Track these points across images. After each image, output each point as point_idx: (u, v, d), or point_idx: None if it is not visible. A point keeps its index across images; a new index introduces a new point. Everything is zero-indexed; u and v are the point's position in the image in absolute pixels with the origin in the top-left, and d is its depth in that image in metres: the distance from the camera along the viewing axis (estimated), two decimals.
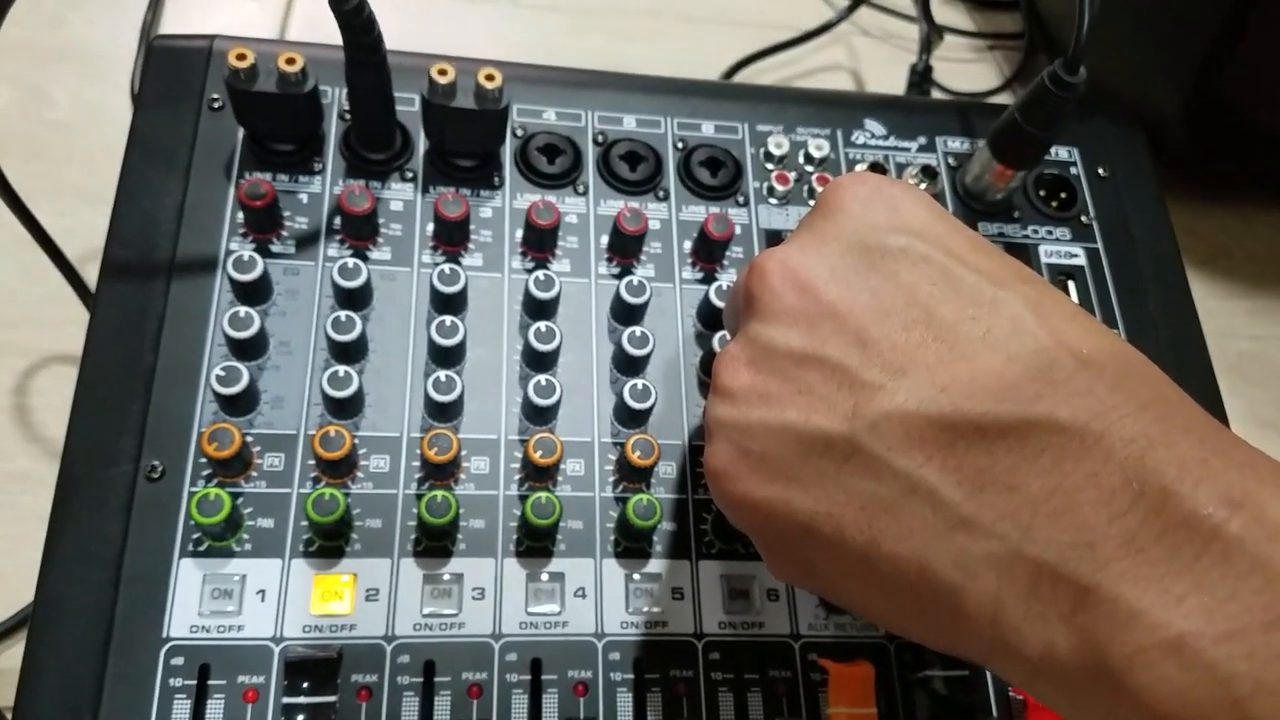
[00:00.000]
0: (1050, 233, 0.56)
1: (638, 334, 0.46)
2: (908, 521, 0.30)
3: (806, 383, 0.32)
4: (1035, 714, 0.44)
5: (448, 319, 0.45)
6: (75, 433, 0.42)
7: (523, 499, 0.44)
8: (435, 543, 0.43)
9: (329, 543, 0.42)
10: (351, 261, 0.45)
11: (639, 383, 0.45)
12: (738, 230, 0.52)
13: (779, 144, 0.54)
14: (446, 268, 0.46)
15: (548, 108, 0.54)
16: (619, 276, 0.49)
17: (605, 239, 0.51)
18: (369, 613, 0.41)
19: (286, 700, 0.38)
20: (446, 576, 0.42)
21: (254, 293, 0.44)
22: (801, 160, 0.55)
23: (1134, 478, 0.27)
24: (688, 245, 0.51)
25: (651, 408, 0.45)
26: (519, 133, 0.52)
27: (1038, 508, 0.28)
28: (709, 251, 0.50)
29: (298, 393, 0.45)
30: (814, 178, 0.54)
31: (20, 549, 0.55)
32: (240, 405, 0.42)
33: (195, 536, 0.41)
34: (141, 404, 0.43)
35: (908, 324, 0.32)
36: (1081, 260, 0.55)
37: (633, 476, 0.45)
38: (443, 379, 0.44)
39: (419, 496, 0.43)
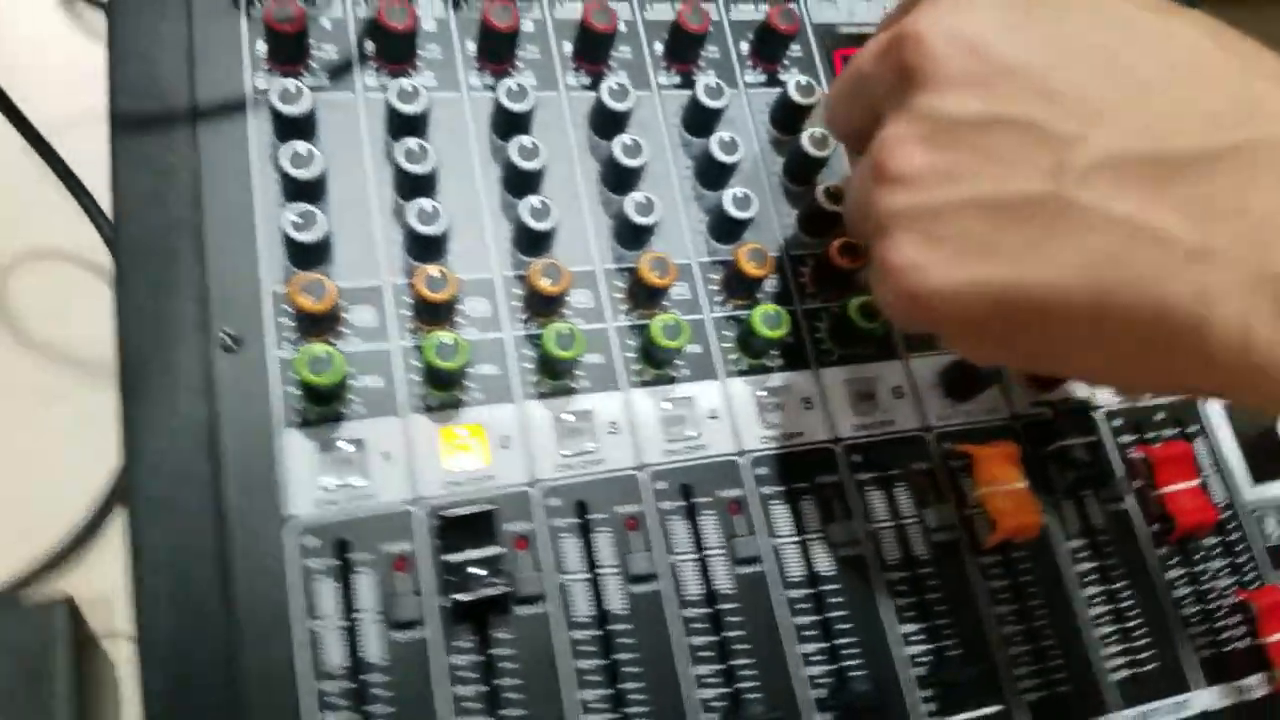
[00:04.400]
0: None
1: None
2: (1137, 268, 0.28)
3: (995, 148, 0.30)
4: (1162, 468, 0.45)
5: (526, 140, 0.40)
6: (127, 311, 0.36)
7: (639, 327, 0.41)
8: (557, 380, 0.39)
9: (445, 393, 0.38)
10: (410, 83, 0.39)
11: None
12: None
13: None
14: (513, 84, 0.41)
15: None
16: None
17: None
18: (505, 460, 0.38)
19: (449, 558, 0.35)
20: (575, 414, 0.39)
21: (301, 129, 0.39)
22: None
23: None
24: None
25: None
26: None
27: (1272, 225, 0.27)
28: (770, 52, 0.47)
29: (367, 237, 0.39)
30: None
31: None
32: (315, 255, 0.37)
33: (296, 405, 0.36)
34: (196, 268, 0.37)
35: (1091, 69, 0.30)
36: None
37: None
38: (537, 205, 0.39)
39: (534, 337, 0.39)
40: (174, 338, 0.36)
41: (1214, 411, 0.49)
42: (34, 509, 0.45)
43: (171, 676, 0.32)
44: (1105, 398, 0.47)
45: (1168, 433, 0.47)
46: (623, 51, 0.46)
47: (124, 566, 0.33)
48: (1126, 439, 0.46)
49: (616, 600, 0.37)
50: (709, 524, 0.39)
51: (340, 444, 0.36)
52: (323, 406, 0.36)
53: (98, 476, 0.46)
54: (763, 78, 0.48)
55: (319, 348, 0.35)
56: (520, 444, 0.38)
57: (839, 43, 0.50)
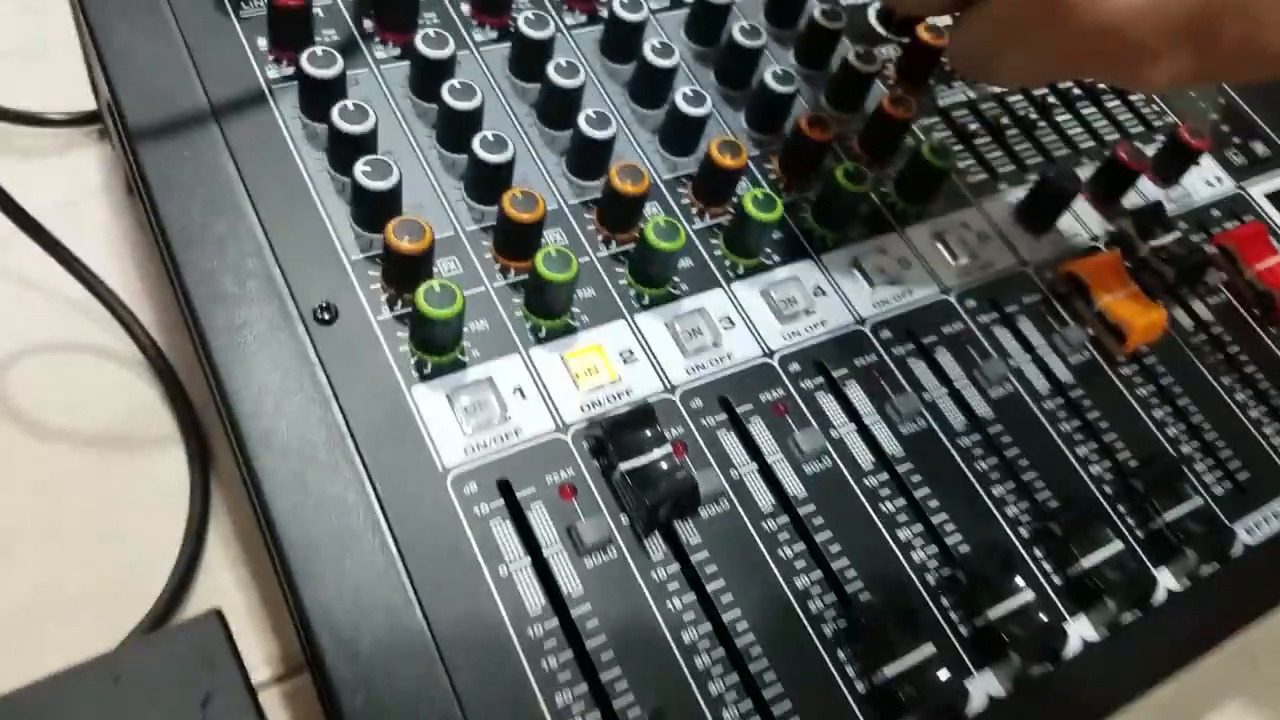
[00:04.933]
0: None
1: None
2: None
3: None
4: (1246, 250, 0.45)
5: (563, 60, 0.39)
6: (202, 309, 0.33)
7: (723, 228, 0.39)
8: (657, 289, 0.37)
9: (557, 320, 0.35)
10: (434, 31, 0.38)
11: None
12: None
13: None
14: (531, 14, 0.40)
15: None
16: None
17: None
18: (636, 374, 0.35)
19: (627, 466, 0.32)
20: (686, 317, 0.37)
21: (335, 93, 0.37)
22: None
23: None
24: None
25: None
26: None
27: None
28: None
29: (429, 194, 0.37)
30: None
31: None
32: (387, 208, 0.35)
33: (414, 360, 0.33)
34: (261, 250, 0.34)
35: None
36: None
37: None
38: (593, 117, 0.38)
39: (620, 255, 0.37)
40: (258, 320, 0.33)
41: (1258, 196, 0.49)
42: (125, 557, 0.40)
43: (368, 685, 0.28)
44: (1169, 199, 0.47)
45: (1229, 224, 0.47)
46: None
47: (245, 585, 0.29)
48: (1196, 238, 0.46)
49: (794, 484, 0.34)
50: (857, 394, 0.37)
51: (471, 389, 0.33)
52: (443, 355, 0.33)
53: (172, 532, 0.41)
54: None
55: (434, 283, 0.32)
56: (643, 355, 0.36)
57: None
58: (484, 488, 0.31)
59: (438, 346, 0.33)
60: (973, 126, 0.46)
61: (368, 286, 0.34)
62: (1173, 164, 0.47)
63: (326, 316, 0.33)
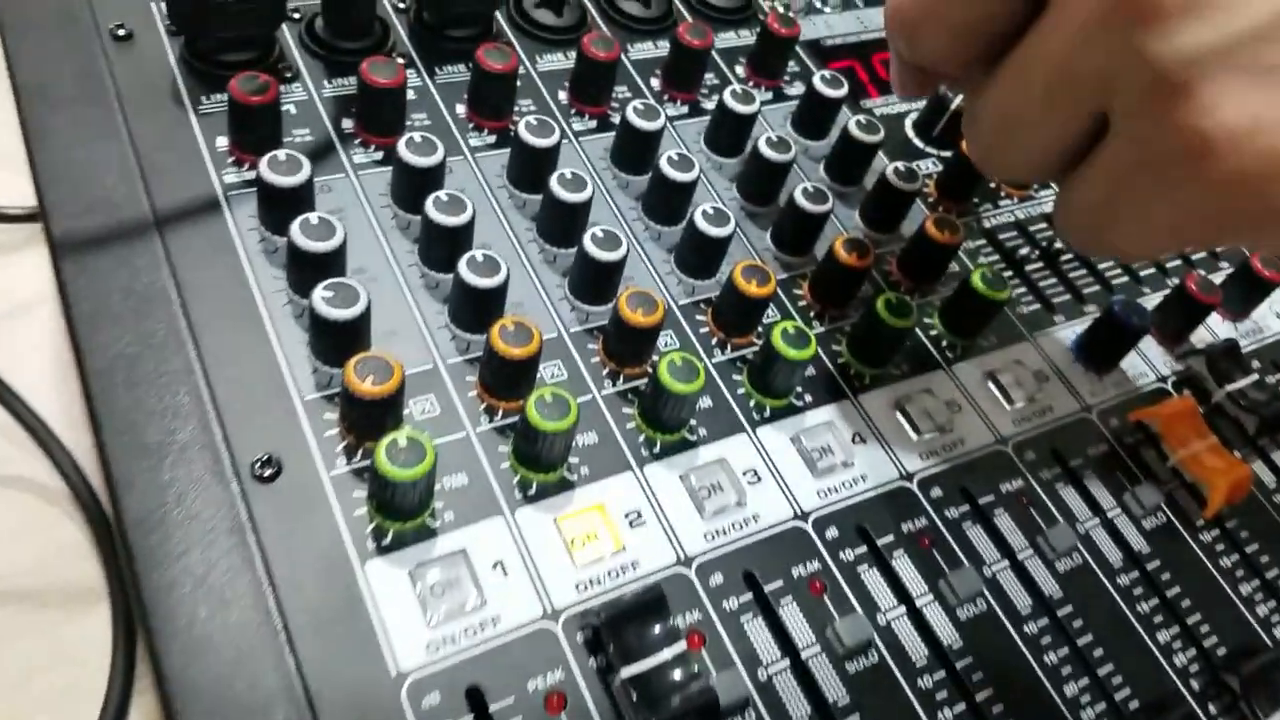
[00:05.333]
0: None
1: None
2: None
3: None
4: None
5: (569, 172, 0.34)
6: (119, 463, 0.27)
7: (747, 362, 0.34)
8: (671, 435, 0.31)
9: (548, 476, 0.30)
10: (419, 135, 0.33)
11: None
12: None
13: None
14: (534, 123, 0.35)
15: None
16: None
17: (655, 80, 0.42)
18: (644, 541, 0.29)
19: (630, 672, 0.25)
20: (704, 470, 0.31)
21: (300, 203, 0.31)
22: None
23: None
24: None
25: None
26: None
27: None
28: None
29: (406, 319, 0.32)
30: None
31: None
32: (350, 339, 0.29)
33: (371, 528, 0.27)
34: (197, 388, 0.29)
35: None
36: None
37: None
38: (600, 234, 0.33)
39: (628, 392, 0.32)
40: (185, 480, 0.27)
41: None
42: None
43: None
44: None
45: None
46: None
47: None
48: (1272, 379, 0.41)
49: (834, 686, 0.28)
50: (905, 568, 0.31)
51: (440, 564, 0.27)
52: (407, 521, 0.27)
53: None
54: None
55: (399, 435, 0.26)
56: (653, 517, 0.30)
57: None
58: (449, 698, 0.25)
59: (401, 512, 0.27)
60: (1024, 251, 0.41)
61: (321, 433, 0.29)
62: (1244, 295, 0.42)
63: (267, 473, 0.28)
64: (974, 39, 0.26)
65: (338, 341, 0.29)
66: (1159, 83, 0.22)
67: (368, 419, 0.28)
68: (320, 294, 0.28)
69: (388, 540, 0.27)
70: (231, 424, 0.28)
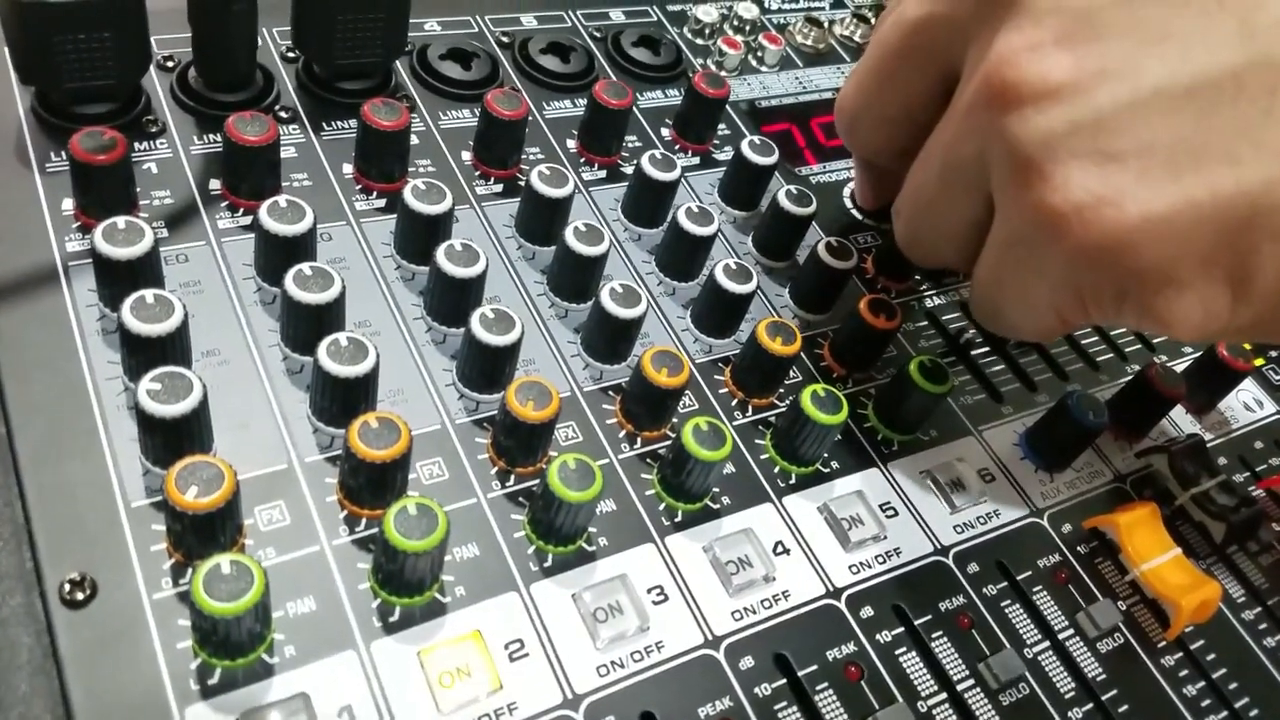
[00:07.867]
0: None
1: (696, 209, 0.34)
2: None
3: (1153, 24, 0.23)
4: None
5: (458, 242, 0.30)
6: None
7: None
8: (566, 547, 0.28)
9: (415, 597, 0.25)
10: (284, 200, 0.29)
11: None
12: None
13: (706, 12, 0.45)
14: (420, 183, 0.31)
15: (428, 19, 0.41)
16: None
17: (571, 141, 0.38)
18: (525, 676, 0.25)
19: None
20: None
21: (142, 277, 0.28)
22: (733, 28, 0.46)
23: None
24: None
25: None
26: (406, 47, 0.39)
27: None
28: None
29: (262, 410, 0.28)
30: (763, 36, 0.45)
31: None
32: (189, 437, 0.25)
33: (196, 665, 0.23)
34: (8, 488, 0.24)
35: None
36: None
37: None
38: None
39: (518, 493, 0.28)
40: None
41: None
42: None
43: None
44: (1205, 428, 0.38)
45: (1275, 460, 0.39)
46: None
47: None
48: (1238, 477, 0.38)
49: None
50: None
51: (274, 712, 0.23)
52: (237, 659, 0.23)
53: None
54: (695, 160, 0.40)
55: (224, 558, 0.22)
56: (538, 648, 0.26)
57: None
58: None
59: (227, 649, 0.23)
60: (969, 334, 0.38)
61: (146, 548, 0.24)
62: (1209, 386, 0.39)
63: (80, 596, 0.23)
64: (900, 129, 0.30)
65: (167, 440, 0.25)
66: (1019, 163, 0.24)
67: (195, 535, 0.24)
68: (147, 384, 0.24)
69: (214, 680, 0.23)
70: (43, 535, 0.24)
